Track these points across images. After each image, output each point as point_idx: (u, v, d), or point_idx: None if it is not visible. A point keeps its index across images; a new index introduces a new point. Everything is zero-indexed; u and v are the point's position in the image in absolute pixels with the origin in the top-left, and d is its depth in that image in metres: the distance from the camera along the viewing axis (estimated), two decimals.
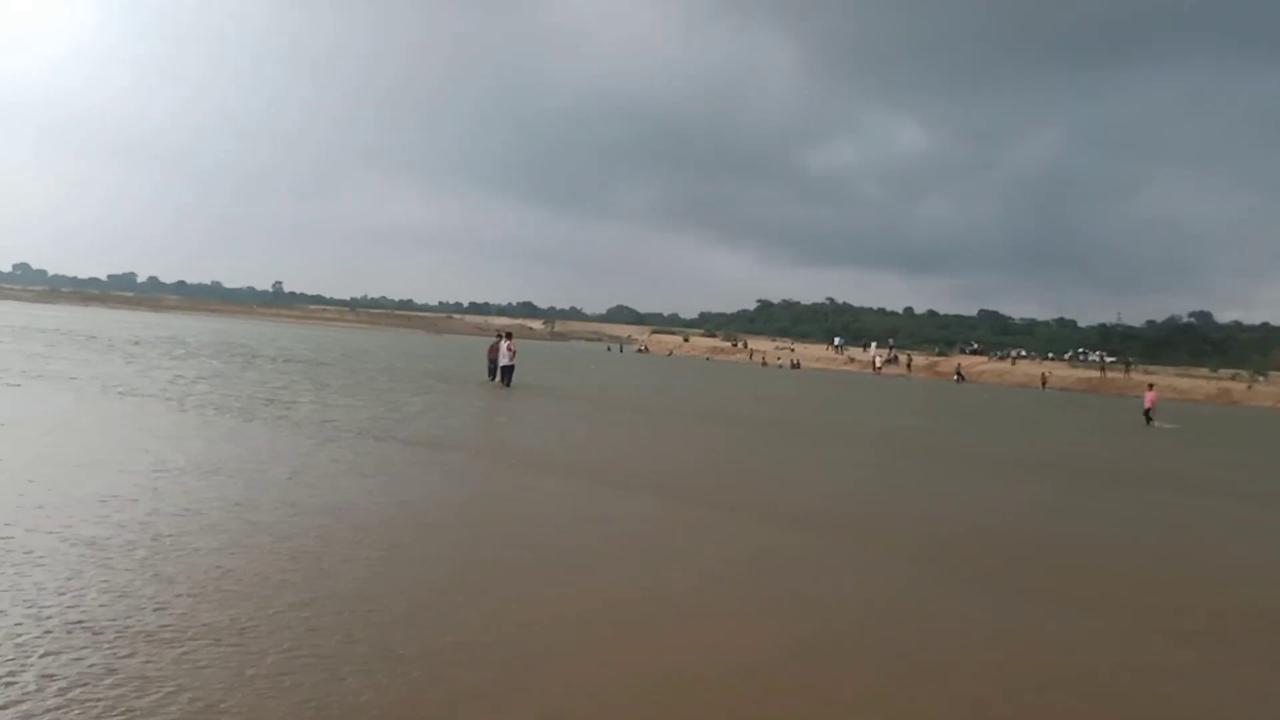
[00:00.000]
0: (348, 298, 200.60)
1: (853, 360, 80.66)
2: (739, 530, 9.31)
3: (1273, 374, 79.28)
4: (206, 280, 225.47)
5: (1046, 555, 9.23)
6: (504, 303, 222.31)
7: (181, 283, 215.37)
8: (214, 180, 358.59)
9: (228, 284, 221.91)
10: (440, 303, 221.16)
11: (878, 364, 74.29)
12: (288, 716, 4.25)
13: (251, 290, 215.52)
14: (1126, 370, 67.77)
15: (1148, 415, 29.86)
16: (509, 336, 27.89)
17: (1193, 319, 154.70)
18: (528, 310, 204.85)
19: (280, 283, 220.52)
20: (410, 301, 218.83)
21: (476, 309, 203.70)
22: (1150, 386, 32.41)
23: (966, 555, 8.93)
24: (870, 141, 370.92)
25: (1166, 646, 6.43)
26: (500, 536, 8.26)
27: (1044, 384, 65.29)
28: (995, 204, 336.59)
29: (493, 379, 27.47)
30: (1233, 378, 70.38)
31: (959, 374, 68.82)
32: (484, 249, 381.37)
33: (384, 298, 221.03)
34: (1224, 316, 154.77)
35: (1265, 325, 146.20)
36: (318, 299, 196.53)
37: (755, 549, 8.53)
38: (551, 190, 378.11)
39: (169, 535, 7.18)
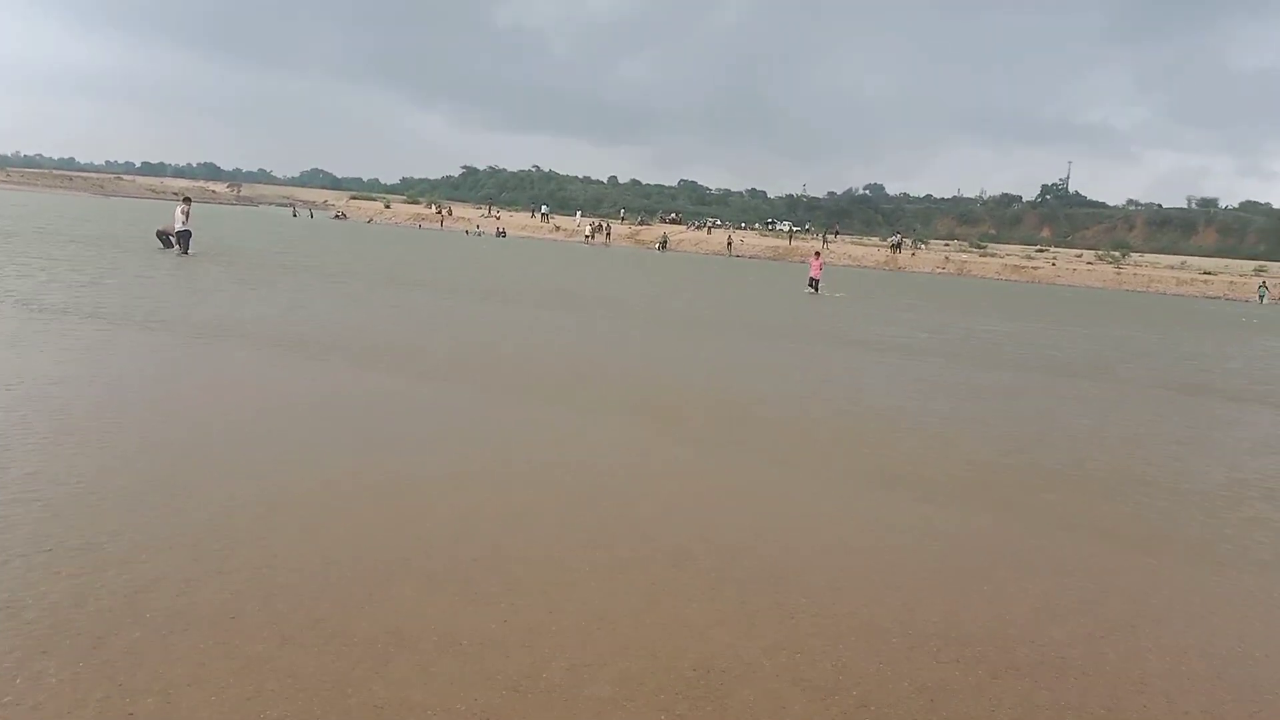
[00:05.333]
0: None
1: (559, 229, 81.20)
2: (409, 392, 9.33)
3: (934, 242, 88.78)
4: None
5: (729, 406, 9.96)
6: (183, 164, 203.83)
7: None
8: None
9: None
10: (107, 162, 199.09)
11: (589, 233, 75.23)
12: None
13: None
14: (825, 239, 72.84)
15: (814, 283, 31.06)
16: (186, 200, 26.42)
17: (868, 191, 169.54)
18: (210, 172, 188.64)
19: None
20: (72, 160, 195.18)
21: (151, 170, 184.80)
22: (816, 255, 34.34)
23: (656, 403, 9.46)
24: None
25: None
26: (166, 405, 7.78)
27: (729, 246, 69.34)
28: (692, 71, 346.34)
29: (166, 247, 25.82)
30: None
31: (662, 243, 71.39)
32: (156, 105, 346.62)
33: (40, 156, 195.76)
34: (894, 189, 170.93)
35: (929, 197, 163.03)
36: None
37: (427, 404, 8.59)
38: (231, 41, 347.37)
39: None
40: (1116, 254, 79.60)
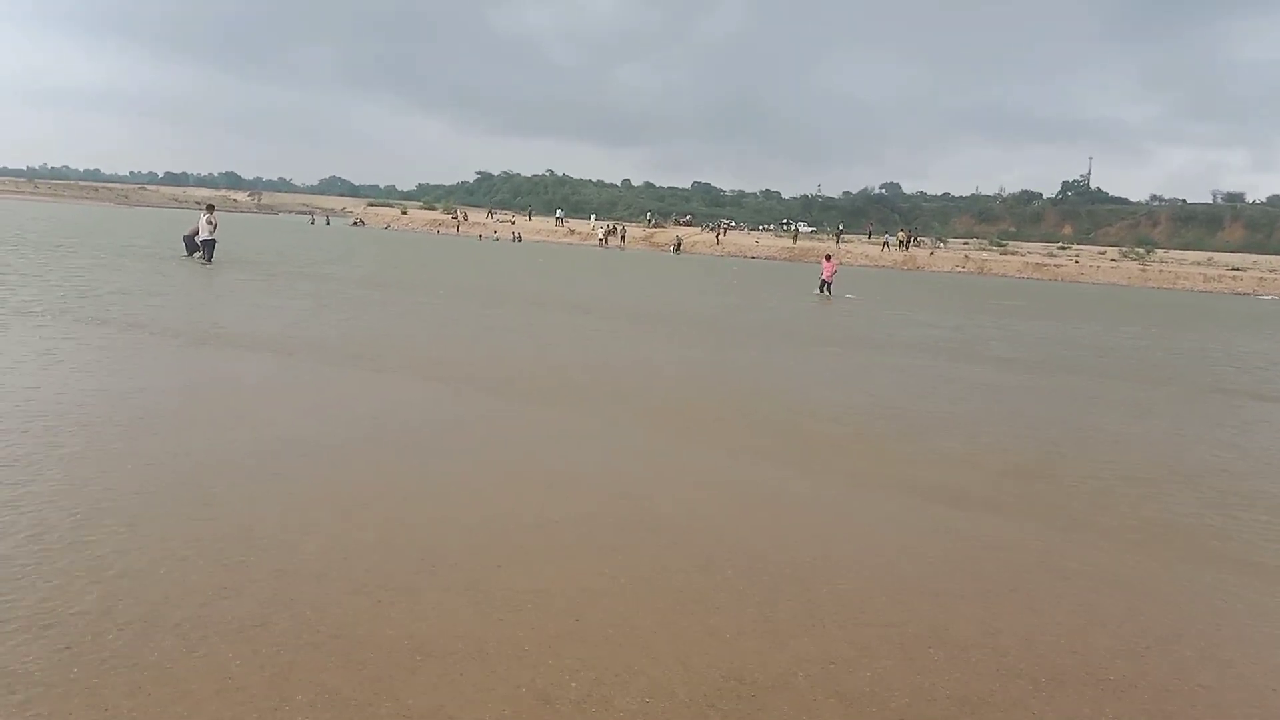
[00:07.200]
0: (24, 167, 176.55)
1: (574, 233, 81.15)
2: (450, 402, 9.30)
3: (953, 240, 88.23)
4: None
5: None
6: (205, 173, 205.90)
7: None
8: None
9: None
10: (131, 173, 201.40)
11: (602, 236, 75.11)
12: None
13: None
14: (838, 240, 72.49)
15: (826, 285, 30.42)
16: (210, 209, 26.32)
17: (884, 190, 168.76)
18: (231, 181, 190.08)
19: None
20: (97, 172, 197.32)
21: (174, 180, 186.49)
22: (828, 258, 33.22)
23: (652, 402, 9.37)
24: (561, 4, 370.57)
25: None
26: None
27: (719, 242, 69.85)
28: (693, 75, 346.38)
29: (191, 254, 25.72)
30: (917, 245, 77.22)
31: (677, 246, 71.11)
32: (177, 118, 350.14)
33: (66, 167, 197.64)
34: (910, 188, 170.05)
35: (946, 195, 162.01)
36: None
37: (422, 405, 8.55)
38: (242, 54, 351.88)
39: None
40: (1141, 251, 78.79)
